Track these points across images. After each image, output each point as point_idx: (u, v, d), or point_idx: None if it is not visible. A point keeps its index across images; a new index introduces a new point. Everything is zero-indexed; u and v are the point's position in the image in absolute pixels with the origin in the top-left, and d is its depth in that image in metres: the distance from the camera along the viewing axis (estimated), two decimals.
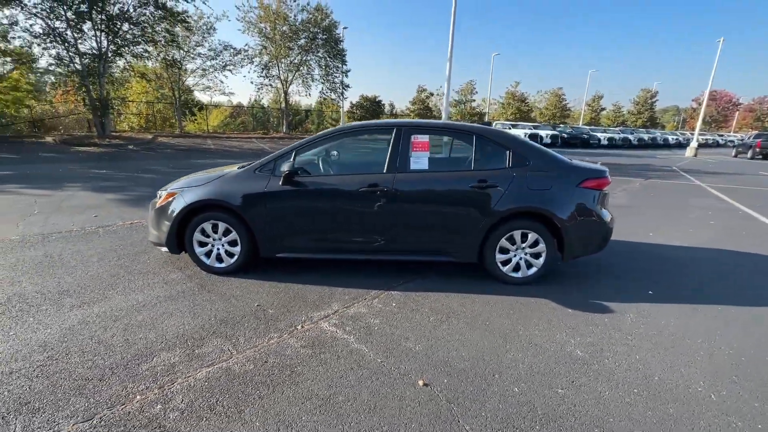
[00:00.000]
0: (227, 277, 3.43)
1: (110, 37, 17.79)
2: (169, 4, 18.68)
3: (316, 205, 3.32)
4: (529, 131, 27.09)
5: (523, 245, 3.33)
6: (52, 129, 21.47)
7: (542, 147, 3.60)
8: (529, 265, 3.39)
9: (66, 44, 16.98)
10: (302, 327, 2.62)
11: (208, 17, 22.59)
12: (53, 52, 17.49)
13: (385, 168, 3.30)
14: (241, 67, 24.40)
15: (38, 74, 20.37)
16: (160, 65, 21.51)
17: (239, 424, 1.75)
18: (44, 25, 16.63)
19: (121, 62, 19.42)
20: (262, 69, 24.72)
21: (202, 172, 3.86)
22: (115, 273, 3.43)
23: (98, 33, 17.36)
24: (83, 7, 16.27)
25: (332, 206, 3.32)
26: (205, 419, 1.77)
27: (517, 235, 3.30)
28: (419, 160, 3.33)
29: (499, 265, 3.38)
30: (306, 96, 32.02)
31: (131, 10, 17.99)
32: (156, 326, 2.57)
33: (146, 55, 20.26)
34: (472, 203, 3.24)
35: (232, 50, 23.54)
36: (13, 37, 17.55)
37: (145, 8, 18.22)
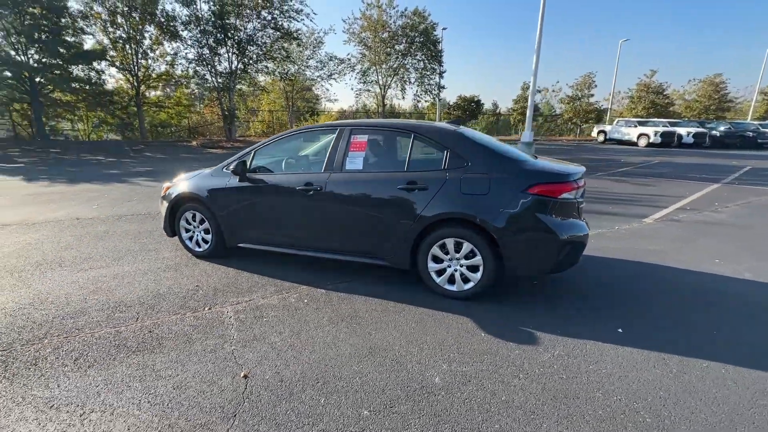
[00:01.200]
0: (203, 260, 3.96)
1: (239, 57, 21.41)
2: (286, 25, 21.53)
3: (264, 201, 3.58)
4: (661, 129, 22.45)
5: (457, 255, 2.99)
6: (201, 135, 26.92)
7: (496, 145, 3.17)
8: (466, 279, 3.02)
9: (209, 66, 21.11)
10: (209, 309, 2.91)
11: (318, 33, 25.18)
12: (201, 73, 21.95)
13: (323, 167, 3.36)
14: (344, 75, 26.48)
15: (193, 92, 25.74)
16: (279, 78, 24.85)
17: (78, 376, 2.12)
18: (195, 52, 21.02)
19: (247, 78, 23.11)
20: (361, 75, 26.36)
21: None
22: (131, 248, 4.29)
23: (230, 55, 21.08)
24: (219, 36, 19.98)
25: (277, 203, 3.53)
26: (64, 367, 2.19)
27: (450, 243, 2.99)
28: (355, 160, 3.29)
29: (433, 275, 3.10)
30: (401, 99, 32.95)
31: (255, 33, 21.32)
32: (113, 292, 3.18)
33: (266, 70, 23.68)
34: (400, 206, 3.06)
35: (336, 60, 25.77)
36: (176, 64, 22.65)
37: (265, 30, 21.37)
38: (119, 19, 20.82)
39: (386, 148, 3.38)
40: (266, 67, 23.39)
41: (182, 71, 22.91)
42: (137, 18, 20.91)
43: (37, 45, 18.60)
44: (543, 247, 2.81)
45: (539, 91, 31.30)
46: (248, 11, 20.71)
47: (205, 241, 3.97)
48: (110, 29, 21.04)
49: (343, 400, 1.94)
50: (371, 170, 3.27)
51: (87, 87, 21.38)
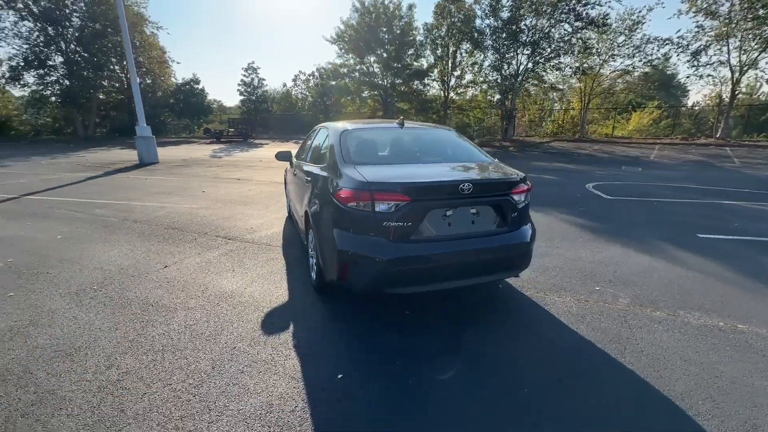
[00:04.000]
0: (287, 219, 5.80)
1: (530, 57, 21.55)
2: (589, 13, 19.42)
3: (291, 180, 4.86)
4: None
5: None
6: (489, 134, 29.37)
7: (360, 142, 3.13)
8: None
9: (499, 70, 22.72)
10: (223, 239, 4.68)
11: (637, 13, 20.60)
12: (494, 76, 23.96)
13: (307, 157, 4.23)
14: (666, 59, 20.34)
15: (490, 96, 28.28)
16: (571, 74, 22.81)
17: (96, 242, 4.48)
18: (491, 58, 23.18)
19: (534, 77, 22.84)
20: (691, 57, 19.21)
21: None
22: (277, 204, 6.77)
23: (518, 56, 21.64)
24: (509, 41, 20.96)
25: (294, 182, 4.71)
26: (130, 234, 4.65)
27: (311, 235, 3.20)
28: (311, 153, 3.95)
29: (311, 260, 3.39)
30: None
31: (550, 30, 20.61)
32: (208, 218, 5.61)
33: (559, 66, 22.32)
34: (306, 194, 3.52)
35: (657, 42, 20.19)
36: (478, 72, 25.74)
37: (560, 24, 20.19)
38: (445, 41, 26.14)
39: (321, 143, 3.77)
40: (559, 63, 22.09)
41: (482, 77, 25.81)
42: (457, 37, 25.43)
43: (391, 71, 26.88)
44: (328, 254, 2.56)
45: None
46: (548, 9, 20.24)
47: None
48: (438, 51, 26.84)
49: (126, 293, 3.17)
50: (310, 161, 3.81)
51: (416, 97, 28.59)
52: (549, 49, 21.18)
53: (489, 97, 27.12)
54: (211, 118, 34.71)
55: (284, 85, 38.08)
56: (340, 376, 2.16)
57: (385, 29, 25.87)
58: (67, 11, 24.30)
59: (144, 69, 29.01)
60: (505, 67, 22.34)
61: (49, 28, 23.65)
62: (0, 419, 1.83)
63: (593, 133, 25.69)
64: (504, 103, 22.96)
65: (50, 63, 24.71)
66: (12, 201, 6.93)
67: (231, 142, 26.19)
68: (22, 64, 23.86)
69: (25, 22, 23.30)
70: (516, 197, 2.69)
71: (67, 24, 24.56)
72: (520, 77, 22.15)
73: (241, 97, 30.88)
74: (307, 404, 1.95)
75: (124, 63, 27.15)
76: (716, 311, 2.92)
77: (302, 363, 2.28)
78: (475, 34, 23.68)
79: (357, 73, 26.86)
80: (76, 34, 25.09)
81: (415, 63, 27.70)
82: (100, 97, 28.47)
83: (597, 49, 21.80)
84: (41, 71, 24.52)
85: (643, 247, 4.41)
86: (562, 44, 20.81)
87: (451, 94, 28.02)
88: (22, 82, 24.88)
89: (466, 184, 2.47)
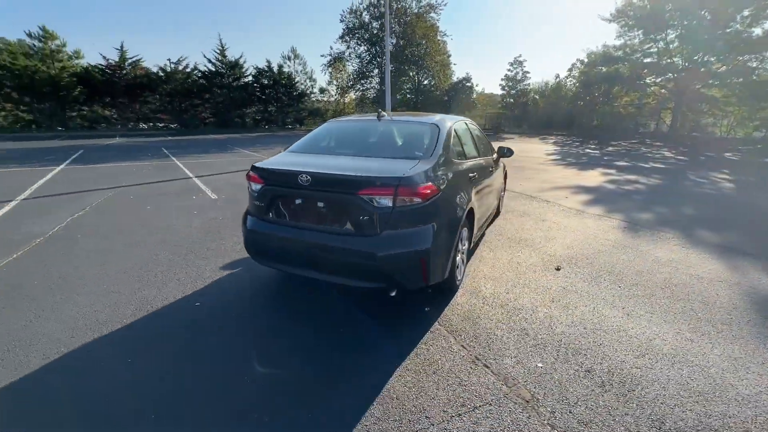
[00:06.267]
0: None
1: None
2: None
3: None
4: None
5: None
6: None
7: (324, 133, 3.53)
8: None
9: None
10: None
11: None
12: None
13: None
14: None
15: None
16: None
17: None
18: None
19: None
20: None
21: None
22: None
23: None
24: None
25: None
26: None
27: None
28: None
29: None
30: None
31: None
32: None
33: None
34: None
35: None
36: None
37: None
38: None
39: None
40: None
41: None
42: None
43: (699, 46, 19.69)
44: None
45: None
46: None
47: None
48: None
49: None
50: None
51: (740, 80, 19.77)
52: None
53: None
54: (475, 113, 37.41)
55: (557, 76, 35.29)
56: (197, 303, 2.89)
57: None
58: (383, 35, 32.63)
59: (431, 72, 34.86)
60: None
61: (372, 49, 32.78)
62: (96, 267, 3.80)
63: None
64: None
65: (370, 75, 34.41)
66: None
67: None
68: (356, 76, 34.57)
69: (361, 47, 33.41)
70: (369, 198, 2.33)
71: (384, 44, 33.02)
72: None
73: (502, 92, 31.48)
74: (164, 308, 2.84)
75: (418, 70, 33.67)
76: None
77: (204, 291, 3.13)
78: None
79: (639, 54, 21.38)
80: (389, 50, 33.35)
81: (755, 29, 19.04)
82: (397, 97, 36.76)
83: None
84: (364, 81, 34.66)
85: None
86: None
87: None
88: (355, 89, 36.13)
89: (304, 176, 2.45)
